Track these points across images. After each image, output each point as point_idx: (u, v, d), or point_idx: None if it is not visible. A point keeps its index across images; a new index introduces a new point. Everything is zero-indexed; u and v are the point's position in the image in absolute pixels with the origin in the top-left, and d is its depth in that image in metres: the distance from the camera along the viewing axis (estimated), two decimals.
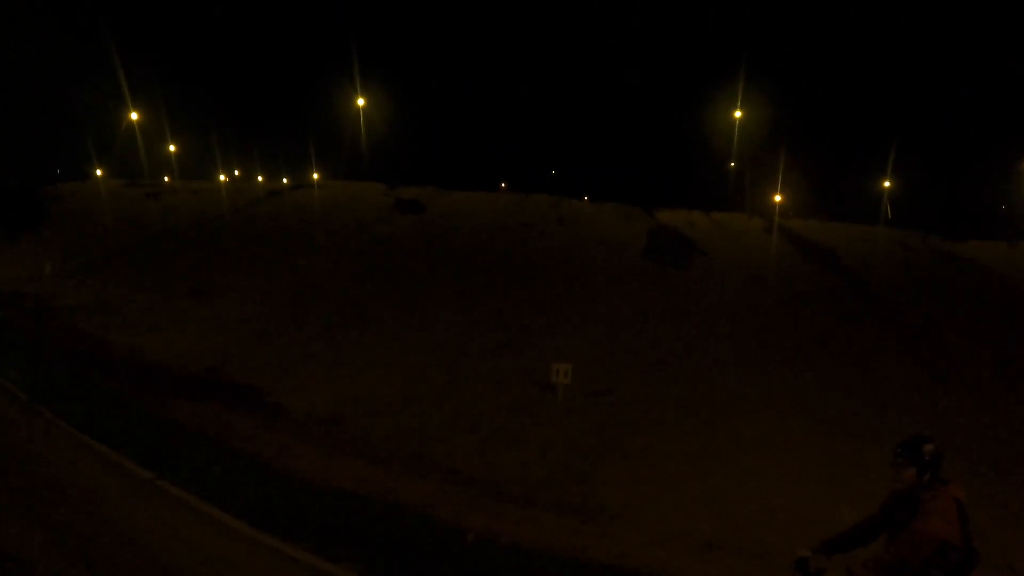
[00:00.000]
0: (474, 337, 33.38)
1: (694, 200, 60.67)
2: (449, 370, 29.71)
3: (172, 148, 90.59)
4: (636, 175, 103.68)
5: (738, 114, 66.09)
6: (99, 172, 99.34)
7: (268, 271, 43.27)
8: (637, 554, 14.26)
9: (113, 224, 56.94)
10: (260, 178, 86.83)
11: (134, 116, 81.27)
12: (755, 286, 39.30)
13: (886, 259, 45.61)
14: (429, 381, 28.57)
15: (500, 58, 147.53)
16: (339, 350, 32.21)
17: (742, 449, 22.12)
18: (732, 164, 78.15)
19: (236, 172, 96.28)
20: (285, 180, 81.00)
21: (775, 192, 69.44)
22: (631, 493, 19.25)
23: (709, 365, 29.64)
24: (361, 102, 76.52)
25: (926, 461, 5.88)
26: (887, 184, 69.84)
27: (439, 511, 15.79)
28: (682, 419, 24.58)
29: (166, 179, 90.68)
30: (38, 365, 24.62)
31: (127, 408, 20.50)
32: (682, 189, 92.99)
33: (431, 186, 63.08)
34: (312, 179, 71.42)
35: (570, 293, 38.81)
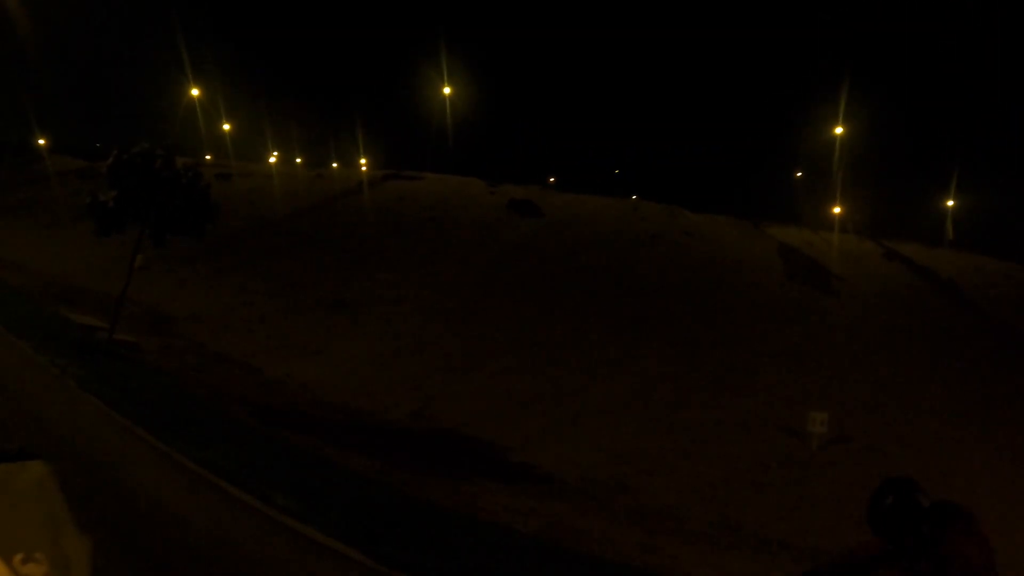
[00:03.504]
0: (681, 375, 29.12)
1: (760, 208, 57.95)
2: (684, 416, 25.82)
3: (226, 127, 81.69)
4: (692, 176, 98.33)
5: (839, 130, 60.04)
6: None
7: (406, 278, 36.79)
8: None
9: None
10: (337, 165, 77.99)
11: (195, 92, 72.94)
12: (903, 319, 37.43)
13: (1005, 291, 43.18)
14: (677, 430, 24.73)
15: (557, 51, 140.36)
16: (545, 390, 26.44)
17: None
18: (798, 174, 72.44)
19: (274, 154, 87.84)
20: (363, 167, 73.07)
21: (835, 204, 64.23)
22: None
23: (915, 404, 27.95)
24: (447, 91, 68.19)
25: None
26: (950, 203, 64.93)
27: None
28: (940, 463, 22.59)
29: (208, 158, 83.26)
30: (215, 426, 16.01)
31: (385, 492, 14.55)
32: (741, 194, 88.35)
33: (533, 184, 57.26)
34: (408, 171, 64.01)
35: (745, 322, 34.72)
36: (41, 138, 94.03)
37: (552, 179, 77.10)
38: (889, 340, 33.99)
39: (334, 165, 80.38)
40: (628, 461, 21.92)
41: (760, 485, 21.35)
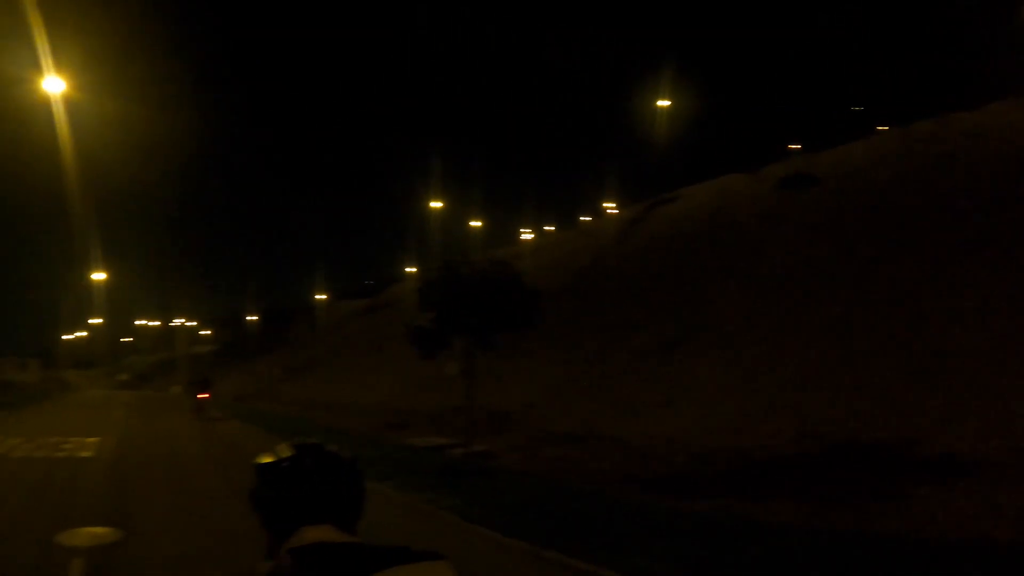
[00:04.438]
0: None
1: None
2: None
3: (476, 224, 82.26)
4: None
5: None
6: (410, 269, 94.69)
7: (721, 298, 33.05)
8: None
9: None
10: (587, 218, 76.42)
11: (437, 204, 74.49)
12: None
13: None
14: None
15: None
16: (918, 364, 22.03)
17: None
18: None
19: (524, 231, 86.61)
20: (610, 209, 70.88)
21: None
22: None
23: None
24: (665, 103, 64.85)
25: None
26: None
27: None
28: None
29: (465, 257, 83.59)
30: (625, 523, 12.79)
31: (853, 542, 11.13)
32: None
33: (788, 158, 52.95)
34: (662, 195, 60.82)
35: None
36: (320, 293, 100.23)
37: (794, 146, 71.04)
38: None
39: (584, 219, 79.28)
40: None
41: None
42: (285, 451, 1.89)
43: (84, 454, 18.13)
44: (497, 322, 19.85)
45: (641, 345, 30.85)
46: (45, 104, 28.16)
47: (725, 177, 55.27)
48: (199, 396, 35.25)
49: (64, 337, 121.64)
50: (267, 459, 1.89)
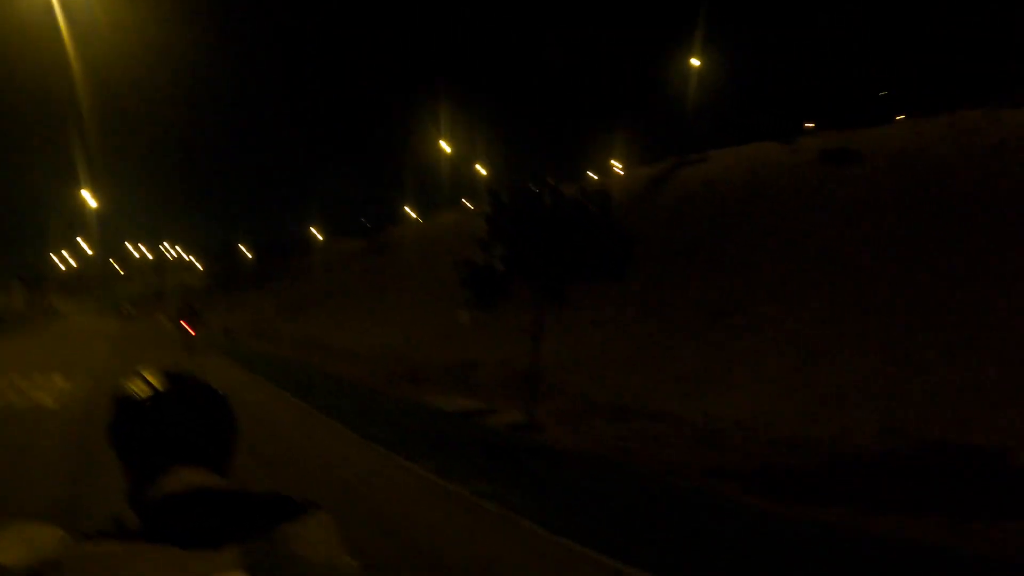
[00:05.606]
0: None
1: None
2: None
3: (482, 171, 79.55)
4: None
5: None
6: (409, 210, 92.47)
7: (769, 267, 29.66)
8: None
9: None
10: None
11: (445, 147, 71.91)
12: None
13: None
14: None
15: None
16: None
17: None
18: None
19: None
20: (617, 168, 67.94)
21: None
22: None
23: None
24: (696, 63, 60.87)
25: None
26: None
27: None
28: None
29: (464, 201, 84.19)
30: (724, 523, 10.58)
31: None
32: None
33: (823, 131, 49.79)
34: (690, 154, 56.64)
35: None
36: (316, 230, 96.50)
37: (810, 124, 66.84)
38: None
39: (590, 174, 75.91)
40: None
41: None
42: (153, 381, 1.56)
43: (48, 404, 14.68)
44: (581, 270, 16.07)
45: (681, 313, 27.43)
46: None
47: (756, 144, 51.45)
48: (186, 329, 32.24)
49: (52, 257, 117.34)
50: (130, 390, 1.55)
